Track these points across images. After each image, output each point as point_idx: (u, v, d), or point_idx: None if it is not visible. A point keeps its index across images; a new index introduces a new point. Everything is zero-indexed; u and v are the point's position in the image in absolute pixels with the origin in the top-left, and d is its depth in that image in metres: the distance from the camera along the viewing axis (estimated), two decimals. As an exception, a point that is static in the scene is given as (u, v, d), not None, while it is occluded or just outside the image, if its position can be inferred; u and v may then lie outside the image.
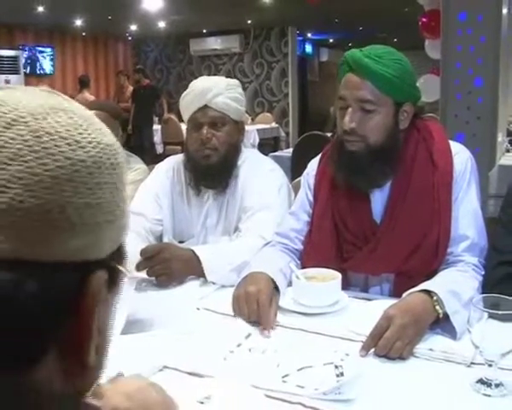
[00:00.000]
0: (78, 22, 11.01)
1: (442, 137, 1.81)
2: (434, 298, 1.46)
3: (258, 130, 10.00)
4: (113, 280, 0.60)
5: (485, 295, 1.27)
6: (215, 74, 12.16)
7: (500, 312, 1.18)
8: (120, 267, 0.62)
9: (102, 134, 0.59)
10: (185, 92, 2.19)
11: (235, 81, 2.25)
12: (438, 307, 1.44)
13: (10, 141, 0.52)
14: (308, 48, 15.48)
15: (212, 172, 2.16)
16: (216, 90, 2.12)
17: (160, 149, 10.00)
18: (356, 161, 1.73)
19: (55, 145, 0.54)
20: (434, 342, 1.42)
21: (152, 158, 7.86)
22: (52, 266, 0.53)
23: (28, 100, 0.56)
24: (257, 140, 9.69)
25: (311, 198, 1.93)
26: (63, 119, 0.56)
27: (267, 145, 10.18)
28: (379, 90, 1.68)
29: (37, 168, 0.52)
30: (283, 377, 1.27)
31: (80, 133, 0.56)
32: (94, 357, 0.58)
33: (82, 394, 0.61)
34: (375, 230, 1.77)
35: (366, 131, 1.71)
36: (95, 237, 0.56)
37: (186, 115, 2.20)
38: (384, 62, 1.68)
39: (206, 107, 2.13)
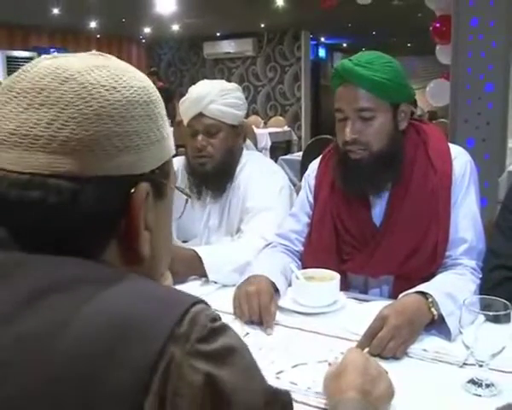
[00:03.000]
0: (93, 24, 11.10)
1: (441, 140, 1.82)
2: (429, 300, 1.47)
3: (270, 133, 9.97)
4: (158, 191, 0.79)
5: (476, 296, 1.29)
6: (228, 78, 12.21)
7: (491, 313, 1.19)
8: (164, 181, 0.81)
9: (136, 79, 0.78)
10: (183, 98, 2.22)
11: (231, 85, 2.25)
12: (433, 309, 1.46)
13: (65, 93, 0.71)
14: (321, 52, 15.49)
15: (208, 178, 2.21)
16: (209, 98, 2.14)
17: (172, 151, 10.03)
18: (362, 168, 1.74)
19: (97, 92, 0.72)
20: (428, 343, 1.44)
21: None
22: (104, 178, 0.71)
23: (77, 62, 0.75)
24: (269, 143, 9.68)
25: (312, 200, 1.95)
26: (103, 72, 0.74)
27: (279, 148, 10.18)
28: (375, 95, 1.70)
29: (85, 109, 0.70)
30: (277, 373, 1.29)
31: (116, 81, 0.75)
32: (147, 249, 0.77)
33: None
34: (374, 232, 1.79)
35: (368, 138, 1.72)
36: (136, 157, 0.74)
37: (185, 121, 2.24)
38: (375, 68, 1.69)
39: (200, 114, 2.16)
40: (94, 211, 0.70)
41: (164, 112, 0.83)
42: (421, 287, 1.52)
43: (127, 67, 0.80)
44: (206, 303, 0.70)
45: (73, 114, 0.70)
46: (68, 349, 0.61)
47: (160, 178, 0.79)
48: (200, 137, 2.16)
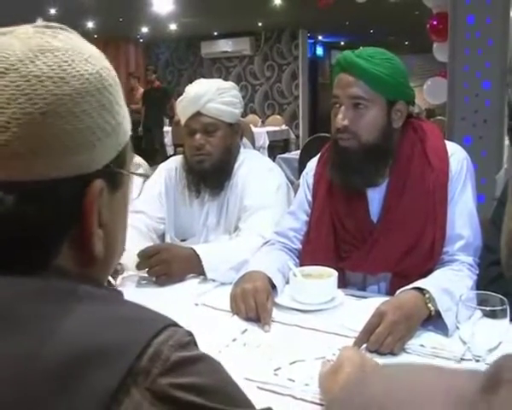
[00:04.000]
0: (90, 24, 11.09)
1: (438, 137, 1.83)
2: (426, 296, 1.48)
3: (268, 132, 9.99)
4: (114, 183, 0.73)
5: (473, 292, 1.29)
6: (226, 77, 12.21)
7: (488, 308, 1.20)
8: (120, 170, 0.73)
9: (88, 63, 0.70)
10: (180, 97, 2.23)
11: (228, 84, 2.27)
12: (430, 305, 1.47)
13: (5, 88, 0.63)
14: (319, 50, 15.50)
15: (206, 176, 2.22)
16: (207, 97, 2.15)
17: (170, 150, 10.04)
18: (349, 157, 1.75)
19: (43, 86, 0.64)
20: (426, 339, 1.44)
21: (163, 160, 7.88)
22: (52, 182, 0.64)
23: (20, 45, 0.66)
24: (267, 142, 9.68)
25: (310, 198, 1.96)
26: (49, 58, 0.66)
27: (277, 147, 10.18)
28: (371, 88, 1.71)
29: (29, 108, 0.63)
30: (275, 370, 1.30)
31: (65, 70, 0.66)
32: (101, 247, 0.71)
33: (100, 279, 0.74)
34: (371, 229, 1.79)
35: (358, 128, 1.73)
36: (89, 154, 0.67)
37: (182, 120, 2.25)
38: (375, 62, 1.71)
39: (198, 113, 2.17)
40: (43, 218, 0.64)
41: (119, 93, 0.74)
42: (419, 283, 1.53)
43: (78, 45, 0.71)
44: (175, 325, 0.64)
45: (15, 114, 0.63)
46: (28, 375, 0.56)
47: (115, 170, 0.72)
48: (198, 136, 2.17)
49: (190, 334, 0.65)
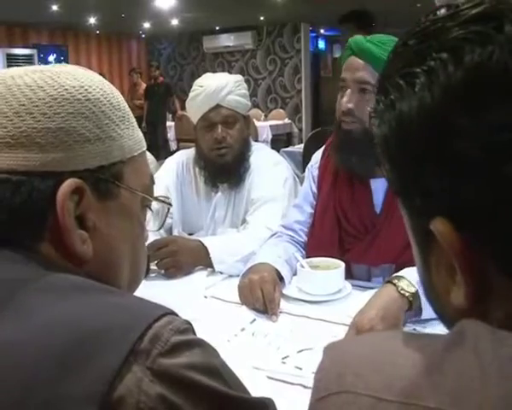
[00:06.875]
0: (92, 20, 11.09)
1: None
2: (397, 284, 1.46)
3: (271, 126, 9.96)
4: (103, 191, 0.76)
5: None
6: (228, 71, 12.18)
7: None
8: (113, 181, 0.77)
9: (76, 80, 0.76)
10: (194, 93, 2.21)
11: (239, 77, 2.30)
12: (403, 292, 1.45)
13: None
14: (321, 44, 15.47)
15: (228, 169, 2.23)
16: (228, 89, 2.17)
17: (173, 145, 10.05)
18: (352, 141, 1.75)
19: (21, 92, 0.73)
20: (430, 329, 1.45)
21: (166, 155, 7.89)
22: (26, 173, 0.71)
23: (20, 69, 0.77)
24: (270, 136, 9.67)
25: (315, 190, 1.96)
26: (36, 75, 0.75)
27: (280, 141, 10.17)
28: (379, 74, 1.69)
29: (5, 109, 0.72)
30: (283, 358, 1.32)
31: (45, 81, 0.74)
32: (85, 249, 0.74)
33: (96, 276, 0.73)
34: (374, 221, 1.80)
35: (363, 113, 1.72)
36: (64, 154, 0.73)
37: (197, 115, 2.24)
38: (386, 48, 1.67)
39: (218, 106, 2.18)
40: (18, 201, 0.70)
41: (117, 113, 0.80)
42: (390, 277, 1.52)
43: (75, 70, 0.79)
44: (174, 314, 0.66)
45: None
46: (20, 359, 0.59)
47: (103, 177, 0.76)
48: (219, 129, 2.18)
49: (189, 323, 0.67)
